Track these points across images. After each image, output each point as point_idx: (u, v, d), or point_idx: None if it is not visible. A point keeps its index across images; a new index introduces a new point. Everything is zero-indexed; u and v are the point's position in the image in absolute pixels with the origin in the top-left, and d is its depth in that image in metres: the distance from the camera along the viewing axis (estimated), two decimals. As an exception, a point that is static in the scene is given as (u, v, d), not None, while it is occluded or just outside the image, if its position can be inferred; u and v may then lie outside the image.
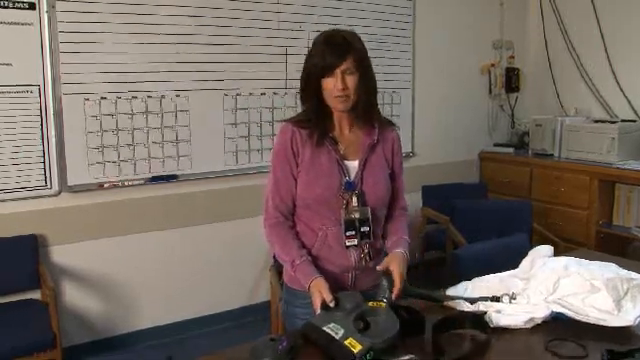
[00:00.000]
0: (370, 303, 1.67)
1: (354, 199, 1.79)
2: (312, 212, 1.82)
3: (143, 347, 3.44)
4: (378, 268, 1.76)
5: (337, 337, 1.51)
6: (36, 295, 3.15)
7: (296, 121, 1.83)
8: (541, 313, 1.79)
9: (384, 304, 1.66)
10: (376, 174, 1.85)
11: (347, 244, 1.81)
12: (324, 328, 1.56)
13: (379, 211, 1.87)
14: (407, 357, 1.49)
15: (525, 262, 2.11)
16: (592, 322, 1.74)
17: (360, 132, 1.85)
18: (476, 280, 2.03)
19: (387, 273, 1.74)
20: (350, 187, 1.80)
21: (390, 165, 1.91)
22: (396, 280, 1.72)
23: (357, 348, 1.47)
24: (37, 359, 2.71)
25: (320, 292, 1.67)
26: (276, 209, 1.83)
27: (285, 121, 1.86)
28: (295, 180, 1.81)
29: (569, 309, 1.79)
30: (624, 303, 1.79)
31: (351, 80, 1.73)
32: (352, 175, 1.82)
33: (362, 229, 1.81)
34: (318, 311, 1.65)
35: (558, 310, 1.80)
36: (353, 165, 1.83)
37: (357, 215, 1.80)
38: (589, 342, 1.65)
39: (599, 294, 1.80)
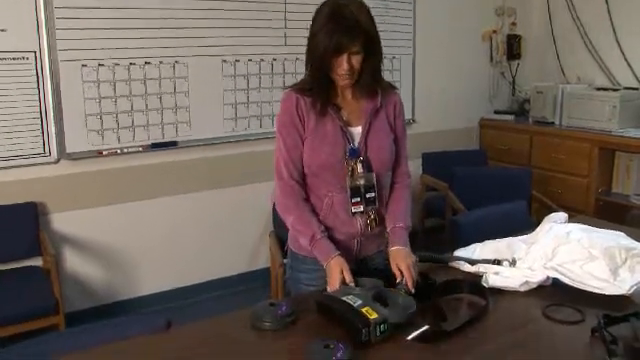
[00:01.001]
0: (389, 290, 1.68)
1: (359, 166, 1.79)
2: (318, 179, 1.81)
3: (143, 313, 3.48)
4: (398, 281, 1.72)
5: (354, 305, 1.52)
6: (37, 262, 3.17)
7: (299, 89, 1.80)
8: (537, 278, 1.81)
9: (402, 291, 1.67)
10: (380, 139, 1.83)
11: (353, 211, 1.81)
12: (343, 298, 1.56)
13: (384, 176, 1.87)
14: (422, 329, 1.50)
15: (539, 228, 2.12)
16: (588, 290, 1.75)
17: (363, 98, 1.82)
18: (487, 242, 2.06)
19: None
20: (354, 154, 1.78)
21: (393, 128, 1.88)
22: (407, 275, 1.71)
23: (373, 316, 1.48)
24: (40, 324, 2.74)
25: (341, 271, 1.68)
26: (291, 177, 1.81)
27: (287, 88, 1.84)
28: (304, 145, 1.80)
29: (566, 275, 1.81)
30: (621, 272, 1.80)
31: (357, 60, 1.71)
32: (356, 141, 1.80)
33: (367, 195, 1.81)
34: (336, 287, 1.65)
35: (554, 276, 1.82)
36: (357, 131, 1.81)
37: (362, 182, 1.79)
38: (586, 307, 1.66)
39: (596, 262, 1.82)
